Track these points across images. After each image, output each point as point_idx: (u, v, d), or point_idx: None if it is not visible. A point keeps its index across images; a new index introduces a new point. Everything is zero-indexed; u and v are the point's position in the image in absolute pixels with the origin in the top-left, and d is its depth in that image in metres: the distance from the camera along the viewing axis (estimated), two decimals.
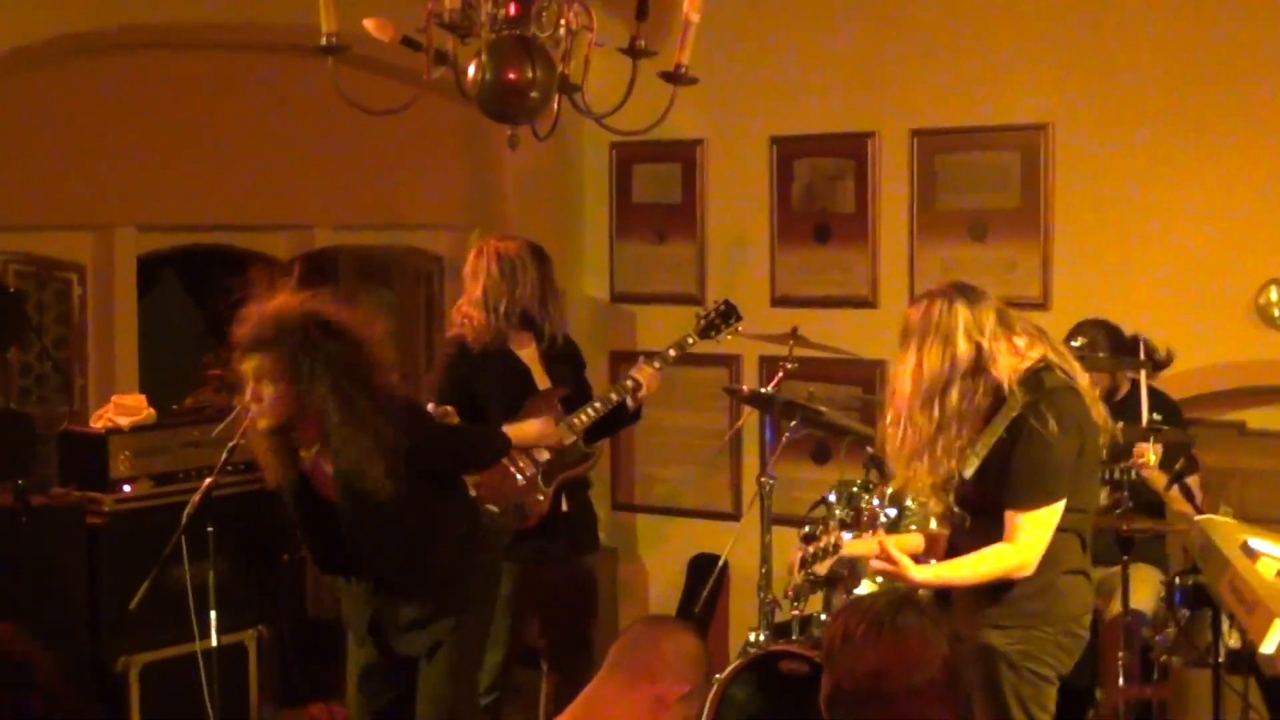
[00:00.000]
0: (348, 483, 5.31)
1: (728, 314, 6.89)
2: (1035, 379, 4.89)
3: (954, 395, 4.87)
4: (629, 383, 6.73)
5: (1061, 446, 4.83)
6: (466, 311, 6.52)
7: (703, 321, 6.91)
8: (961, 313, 4.87)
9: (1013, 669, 4.89)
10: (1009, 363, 4.87)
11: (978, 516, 5.00)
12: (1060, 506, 4.83)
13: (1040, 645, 4.91)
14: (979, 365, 4.86)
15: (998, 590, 4.91)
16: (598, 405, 6.70)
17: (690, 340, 6.89)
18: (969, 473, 4.94)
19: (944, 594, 5.16)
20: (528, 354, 6.62)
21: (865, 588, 6.29)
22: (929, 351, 4.91)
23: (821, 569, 5.64)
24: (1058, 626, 4.94)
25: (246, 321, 5.31)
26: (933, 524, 5.59)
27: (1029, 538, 4.79)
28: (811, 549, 5.61)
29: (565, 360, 6.86)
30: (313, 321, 5.23)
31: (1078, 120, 7.84)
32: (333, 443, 5.30)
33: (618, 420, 6.93)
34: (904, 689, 3.19)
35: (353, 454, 5.25)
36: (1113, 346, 6.74)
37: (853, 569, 6.37)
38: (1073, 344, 6.46)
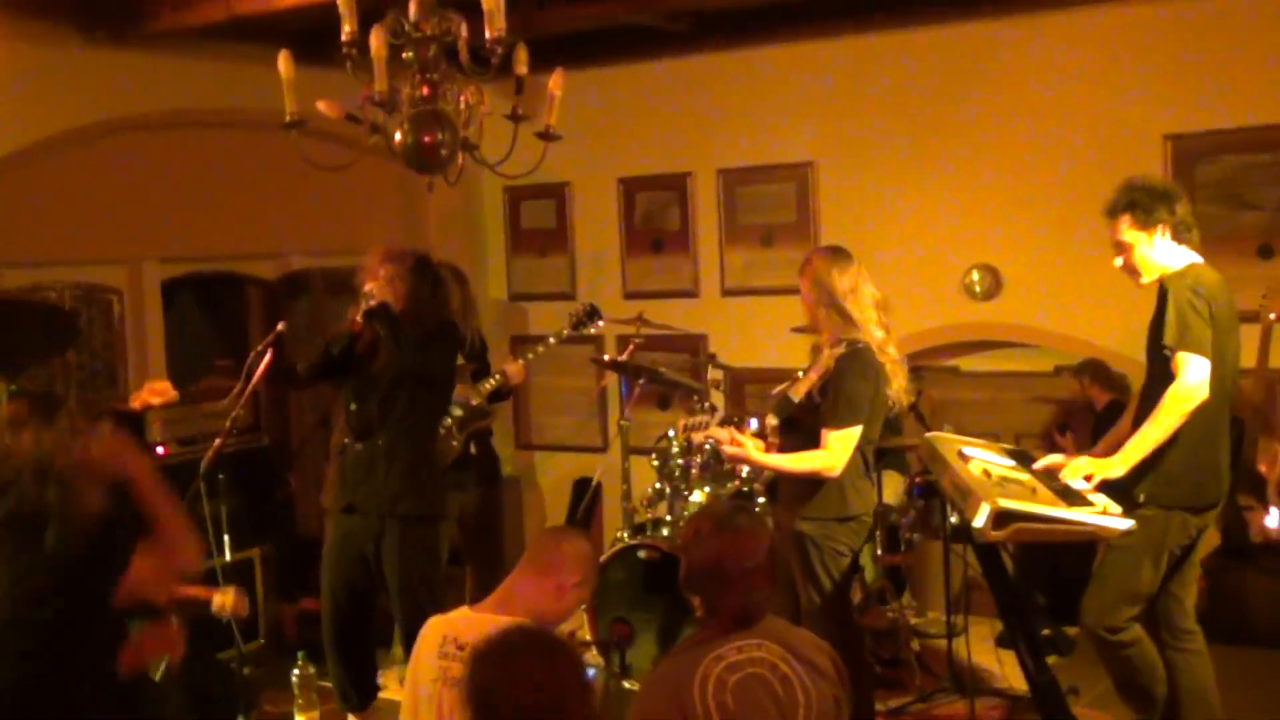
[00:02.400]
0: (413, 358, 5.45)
1: (591, 313, 6.87)
2: (852, 344, 4.93)
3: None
4: (498, 376, 6.72)
5: (862, 391, 4.88)
6: None
7: (572, 319, 6.86)
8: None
9: (817, 548, 4.92)
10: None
11: (794, 433, 5.04)
12: (858, 430, 4.86)
13: (836, 531, 4.95)
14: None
15: (808, 493, 4.94)
16: (496, 378, 6.70)
17: (563, 332, 6.86)
18: (795, 395, 5.01)
19: (774, 496, 5.21)
20: None
21: (697, 496, 6.33)
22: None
23: (698, 436, 5.72)
24: (848, 519, 4.97)
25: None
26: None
27: (836, 448, 4.82)
28: (692, 420, 5.66)
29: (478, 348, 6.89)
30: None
31: (833, 158, 7.85)
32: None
33: (498, 395, 6.85)
34: (738, 571, 3.18)
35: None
36: None
37: (687, 478, 6.42)
38: None
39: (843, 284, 4.96)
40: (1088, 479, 4.60)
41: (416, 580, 5.46)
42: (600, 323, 7.02)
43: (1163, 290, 4.65)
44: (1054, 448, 6.39)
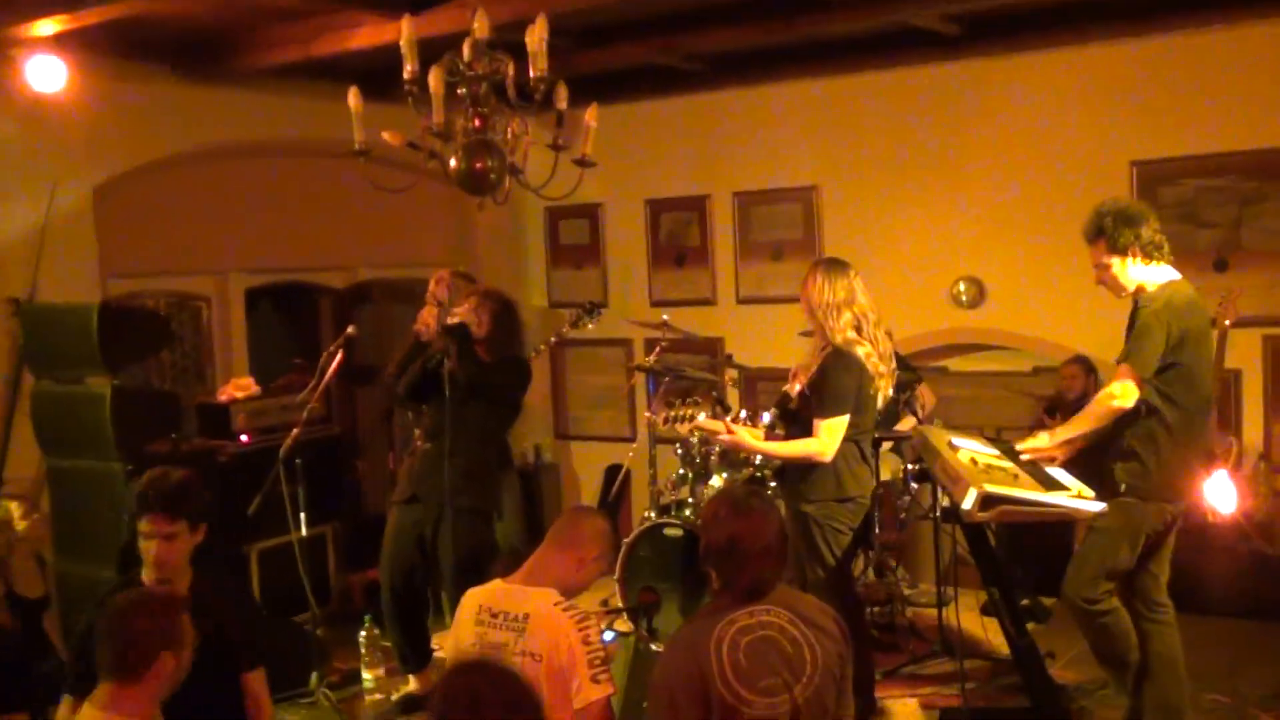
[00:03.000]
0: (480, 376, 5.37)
1: (590, 310, 6.58)
2: (839, 345, 4.92)
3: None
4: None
5: (846, 386, 4.87)
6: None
7: (571, 316, 6.56)
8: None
9: (819, 526, 4.92)
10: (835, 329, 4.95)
11: (794, 424, 5.03)
12: (845, 420, 4.86)
13: (836, 511, 4.94)
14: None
15: (808, 477, 4.93)
16: None
17: (565, 330, 6.50)
18: (793, 391, 5.00)
19: (781, 481, 5.18)
20: None
21: (716, 481, 6.31)
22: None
23: (682, 429, 5.54)
24: (846, 500, 4.96)
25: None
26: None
27: (825, 436, 4.82)
28: (671, 413, 5.54)
29: None
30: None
31: (836, 182, 7.85)
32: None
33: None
34: (751, 550, 3.16)
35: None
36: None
37: (707, 465, 6.39)
38: None
39: (838, 293, 4.94)
40: (1031, 452, 4.72)
41: (468, 563, 5.45)
42: (599, 316, 6.67)
43: (1135, 307, 4.60)
44: (1043, 428, 6.37)
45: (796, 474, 5.01)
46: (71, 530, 6.02)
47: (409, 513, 5.68)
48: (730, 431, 5.11)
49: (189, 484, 3.70)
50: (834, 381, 4.86)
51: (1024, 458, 4.70)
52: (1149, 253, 4.58)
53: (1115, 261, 4.62)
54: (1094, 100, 6.99)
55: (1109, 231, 4.59)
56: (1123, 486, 4.53)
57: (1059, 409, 6.80)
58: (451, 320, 5.44)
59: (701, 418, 5.51)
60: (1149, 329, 4.46)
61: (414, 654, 5.79)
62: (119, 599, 3.23)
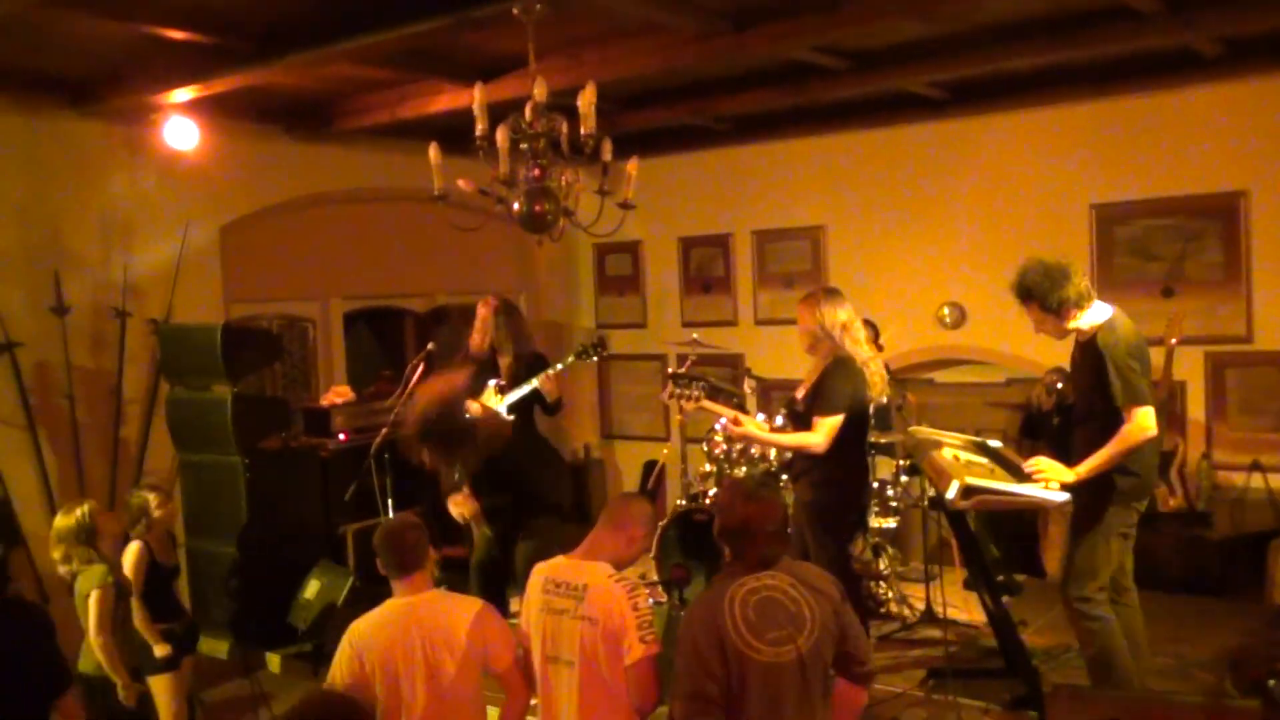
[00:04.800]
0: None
1: (597, 345, 5.94)
2: (838, 357, 4.85)
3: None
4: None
5: (842, 390, 4.81)
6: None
7: (579, 348, 5.96)
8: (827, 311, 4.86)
9: (823, 513, 4.85)
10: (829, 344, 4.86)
11: (798, 424, 4.95)
12: (840, 418, 4.76)
13: (840, 499, 4.87)
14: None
15: (814, 472, 4.84)
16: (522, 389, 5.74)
17: (569, 360, 5.83)
18: (799, 396, 4.96)
19: (791, 474, 5.11)
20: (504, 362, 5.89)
21: (738, 474, 6.30)
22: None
23: (689, 406, 5.26)
24: (849, 492, 4.90)
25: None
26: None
27: (822, 431, 4.74)
28: (679, 391, 5.30)
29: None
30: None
31: (840, 222, 7.84)
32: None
33: (546, 408, 5.84)
34: (760, 531, 3.16)
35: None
36: (875, 334, 6.65)
37: (730, 461, 6.36)
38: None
39: (837, 316, 4.85)
40: (1048, 479, 4.33)
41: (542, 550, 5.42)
42: (605, 354, 6.15)
43: (1092, 342, 4.34)
44: (1020, 447, 6.25)
45: (805, 468, 4.94)
46: (198, 513, 6.10)
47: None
48: (738, 422, 5.08)
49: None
50: (832, 386, 4.80)
51: (1028, 470, 4.39)
52: (1079, 304, 4.34)
53: (1048, 319, 4.40)
54: (1059, 151, 6.94)
55: (1037, 295, 4.36)
56: (1116, 494, 4.34)
57: (1036, 424, 6.70)
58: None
59: (708, 403, 5.29)
60: (1128, 368, 4.24)
61: None
62: (389, 521, 3.60)
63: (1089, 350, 4.38)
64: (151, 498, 4.58)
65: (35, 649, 3.12)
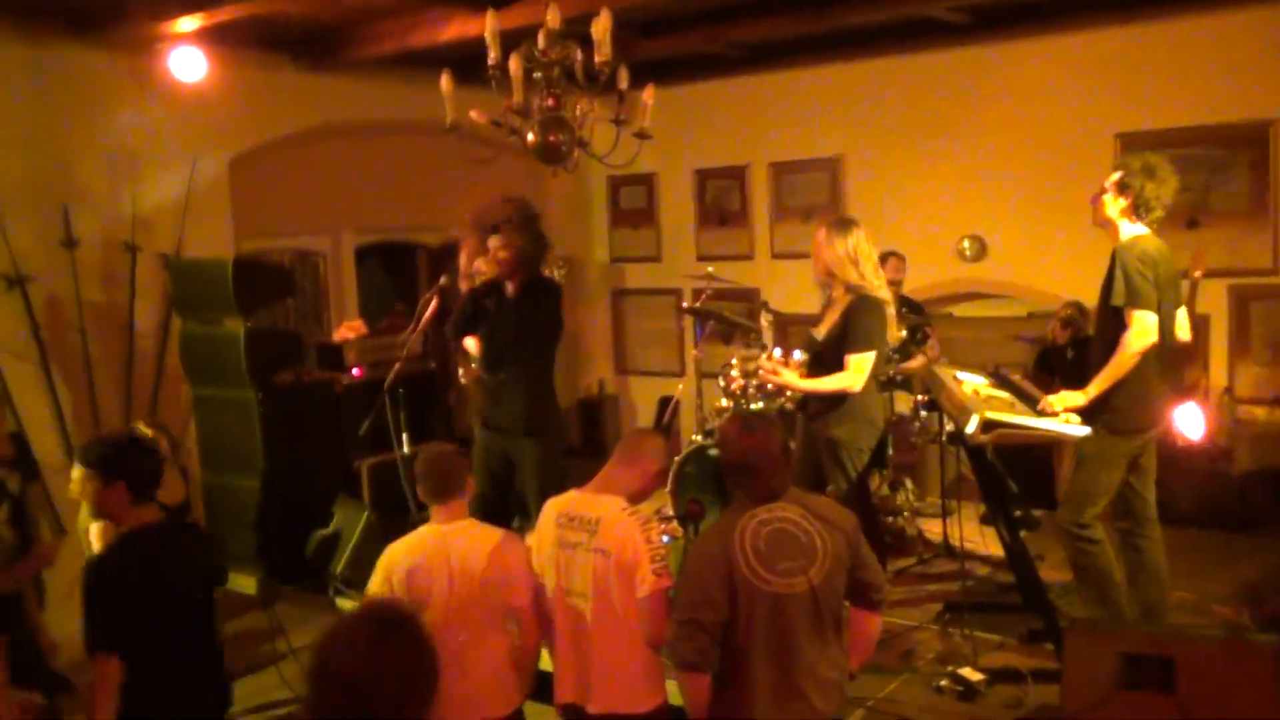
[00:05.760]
0: (517, 319, 5.14)
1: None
2: (862, 292, 4.80)
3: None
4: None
5: (873, 326, 4.78)
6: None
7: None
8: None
9: (843, 447, 4.83)
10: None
11: (818, 364, 4.94)
12: (873, 355, 4.76)
13: (858, 433, 4.83)
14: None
15: (836, 406, 4.83)
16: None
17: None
18: (820, 333, 4.91)
19: (804, 410, 5.09)
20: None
21: (760, 407, 6.28)
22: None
23: (750, 367, 5.55)
24: (866, 423, 4.86)
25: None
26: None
27: (855, 370, 4.72)
28: (748, 353, 5.62)
29: None
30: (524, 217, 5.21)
31: (858, 153, 7.77)
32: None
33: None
34: (761, 460, 3.15)
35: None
36: (903, 266, 6.71)
37: (745, 396, 6.36)
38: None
39: (847, 247, 4.78)
40: (1064, 409, 4.41)
41: (546, 478, 5.35)
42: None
43: (1113, 257, 4.40)
44: (1036, 381, 6.26)
45: (821, 404, 4.92)
46: (214, 447, 6.15)
47: (487, 435, 5.45)
48: (777, 373, 5.09)
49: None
50: (862, 322, 4.74)
51: (1058, 410, 4.43)
52: (1136, 205, 4.37)
53: (1109, 197, 4.42)
54: (1083, 79, 6.83)
55: (1127, 169, 4.40)
56: (1108, 419, 4.39)
57: (1051, 358, 6.67)
58: (478, 281, 5.20)
59: (763, 359, 5.42)
60: (1136, 272, 4.27)
61: None
62: (431, 449, 3.57)
63: (1110, 263, 4.40)
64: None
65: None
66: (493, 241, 5.28)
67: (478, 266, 5.32)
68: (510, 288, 5.21)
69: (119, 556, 3.24)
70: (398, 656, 1.97)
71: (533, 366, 5.29)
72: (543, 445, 5.32)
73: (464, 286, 5.79)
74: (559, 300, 5.41)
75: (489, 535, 3.45)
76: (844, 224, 4.89)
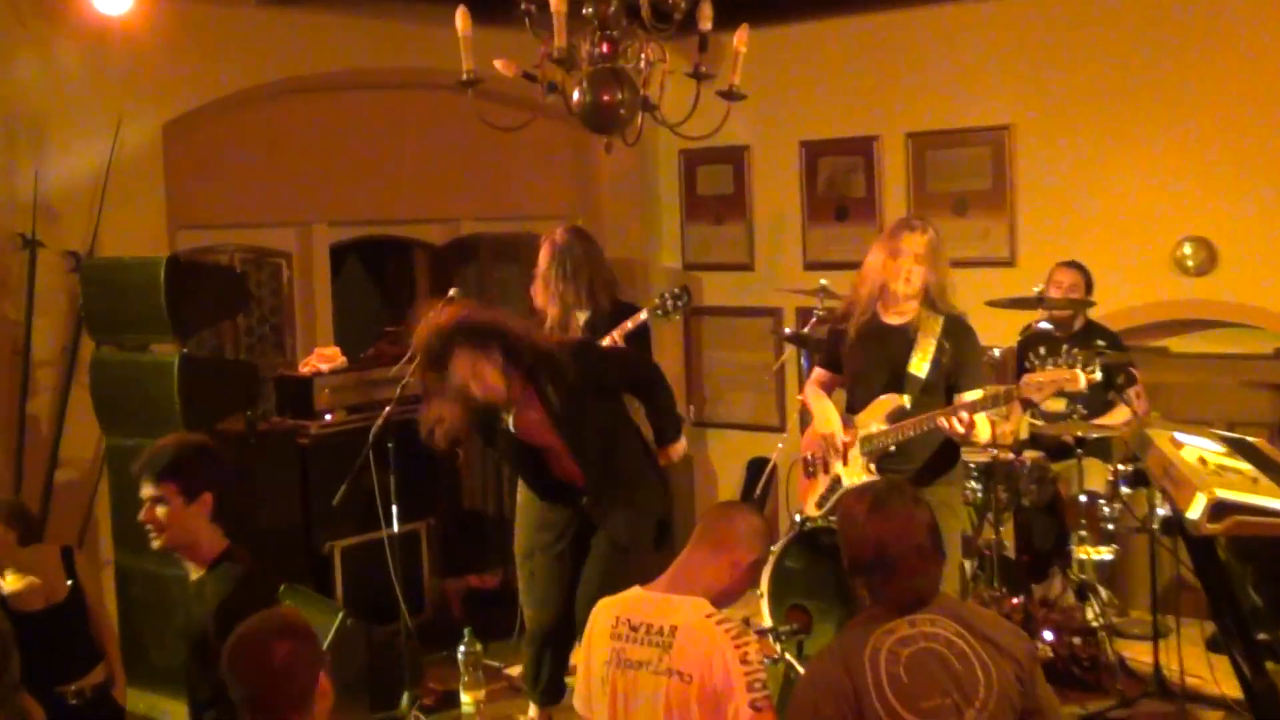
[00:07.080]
0: (564, 419, 5.06)
1: (677, 296, 6.04)
2: (955, 313, 5.20)
3: None
4: None
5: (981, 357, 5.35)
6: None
7: (656, 301, 6.06)
8: None
9: (949, 510, 5.07)
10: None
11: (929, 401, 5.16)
12: None
13: (959, 492, 5.34)
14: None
15: (949, 458, 5.15)
16: None
17: (641, 317, 5.94)
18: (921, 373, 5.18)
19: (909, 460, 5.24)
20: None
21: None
22: None
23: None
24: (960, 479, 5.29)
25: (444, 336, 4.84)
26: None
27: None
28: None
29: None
30: (468, 326, 4.84)
31: (1031, 122, 7.73)
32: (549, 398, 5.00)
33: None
34: (901, 553, 3.17)
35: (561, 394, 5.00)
36: (1087, 283, 6.79)
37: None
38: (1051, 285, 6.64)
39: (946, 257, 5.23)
40: None
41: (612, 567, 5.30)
42: (685, 306, 6.17)
43: None
44: None
45: (938, 462, 5.23)
46: (132, 518, 6.18)
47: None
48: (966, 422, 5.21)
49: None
50: (979, 351, 5.27)
51: None
52: None
53: None
54: None
55: None
56: None
57: None
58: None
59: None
60: None
61: (551, 684, 5.75)
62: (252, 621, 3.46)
63: None
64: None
65: None
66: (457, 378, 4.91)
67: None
68: (526, 409, 5.10)
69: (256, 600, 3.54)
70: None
71: (618, 467, 5.30)
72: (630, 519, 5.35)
73: (538, 295, 5.83)
74: (623, 361, 5.55)
75: None
76: (930, 224, 5.27)
